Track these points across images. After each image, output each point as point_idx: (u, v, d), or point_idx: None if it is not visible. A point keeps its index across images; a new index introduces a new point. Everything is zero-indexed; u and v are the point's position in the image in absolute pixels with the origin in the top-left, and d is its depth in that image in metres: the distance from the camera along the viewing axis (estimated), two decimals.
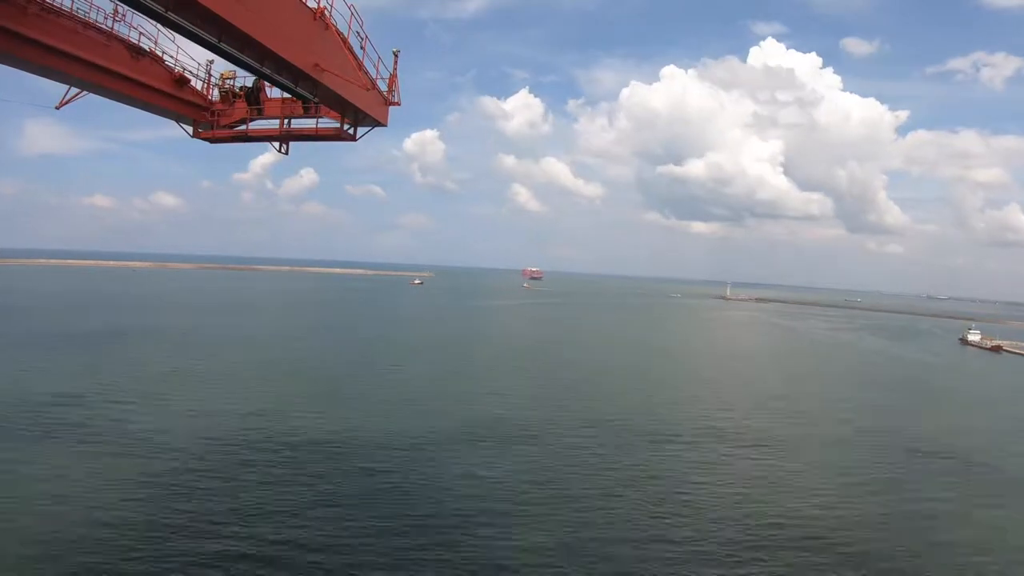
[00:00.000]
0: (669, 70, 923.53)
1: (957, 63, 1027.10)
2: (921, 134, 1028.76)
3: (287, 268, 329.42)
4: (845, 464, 34.13)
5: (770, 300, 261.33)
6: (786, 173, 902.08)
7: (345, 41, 17.63)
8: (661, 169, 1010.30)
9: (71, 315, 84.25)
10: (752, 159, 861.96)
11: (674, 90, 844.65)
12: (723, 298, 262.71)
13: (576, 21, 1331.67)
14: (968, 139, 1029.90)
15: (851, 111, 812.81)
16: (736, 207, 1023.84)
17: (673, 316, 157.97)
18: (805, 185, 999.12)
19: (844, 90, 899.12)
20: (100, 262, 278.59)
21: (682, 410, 45.34)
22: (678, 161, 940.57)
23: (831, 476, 31.99)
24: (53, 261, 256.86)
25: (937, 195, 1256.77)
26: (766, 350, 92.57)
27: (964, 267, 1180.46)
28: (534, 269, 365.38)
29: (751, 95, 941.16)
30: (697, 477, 30.54)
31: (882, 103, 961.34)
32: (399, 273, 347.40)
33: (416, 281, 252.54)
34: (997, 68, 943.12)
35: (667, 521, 25.16)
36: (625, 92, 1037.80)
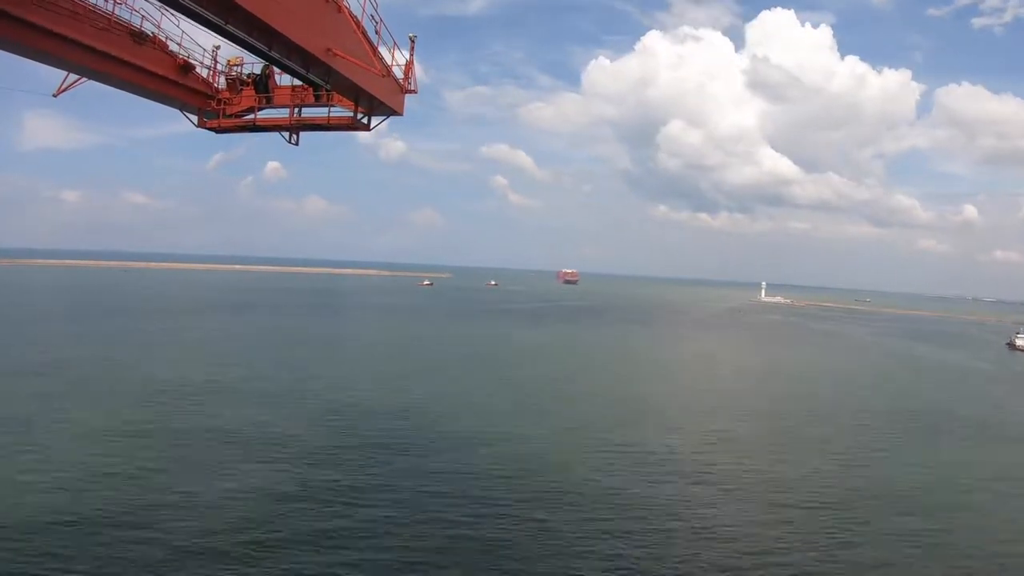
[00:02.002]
0: (642, 45, 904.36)
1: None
2: (946, 107, 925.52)
3: (312, 269, 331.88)
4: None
5: (806, 303, 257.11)
6: (785, 153, 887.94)
7: (359, 25, 17.39)
8: (645, 151, 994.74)
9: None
10: (740, 132, 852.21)
11: (650, 61, 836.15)
12: (756, 301, 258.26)
13: (586, 13, 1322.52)
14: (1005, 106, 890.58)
15: (865, 83, 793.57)
16: (739, 195, 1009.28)
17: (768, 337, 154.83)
18: (810, 167, 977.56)
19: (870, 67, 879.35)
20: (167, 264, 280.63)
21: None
22: (659, 139, 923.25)
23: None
24: (70, 261, 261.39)
25: (971, 181, 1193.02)
26: (821, 361, 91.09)
27: (1010, 264, 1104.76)
28: (569, 271, 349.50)
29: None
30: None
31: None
32: (413, 273, 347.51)
33: (425, 282, 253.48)
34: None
35: None
36: (592, 65, 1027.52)
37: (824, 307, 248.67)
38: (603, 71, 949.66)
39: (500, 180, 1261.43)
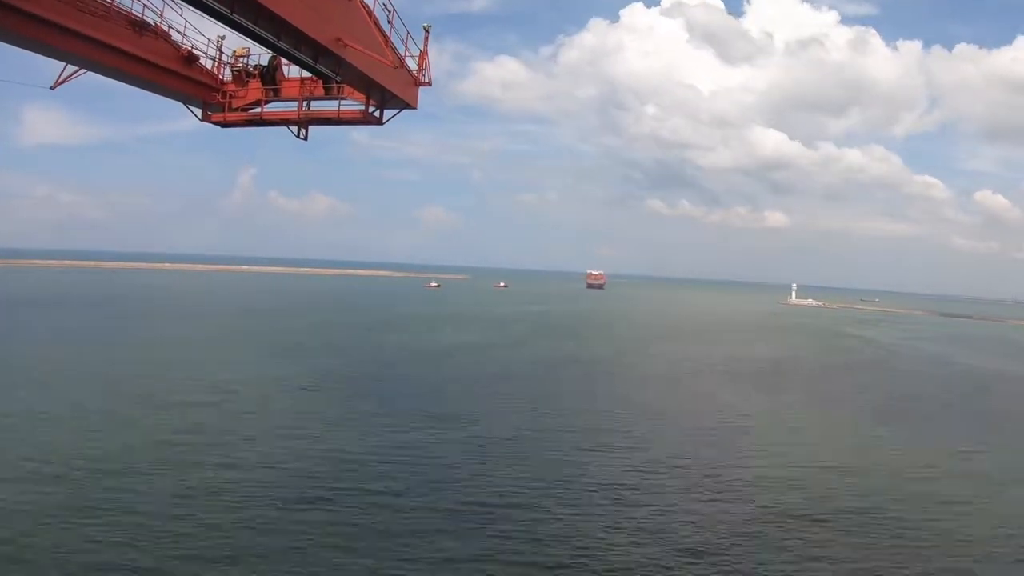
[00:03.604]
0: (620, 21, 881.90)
1: None
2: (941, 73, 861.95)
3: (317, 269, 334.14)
4: None
5: (839, 306, 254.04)
6: (783, 130, 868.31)
7: (371, 14, 17.27)
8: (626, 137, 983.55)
9: None
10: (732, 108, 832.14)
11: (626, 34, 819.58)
12: (788, 304, 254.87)
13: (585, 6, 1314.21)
14: None
15: (870, 52, 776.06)
16: (740, 186, 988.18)
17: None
18: (808, 143, 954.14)
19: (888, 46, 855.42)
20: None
21: None
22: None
23: None
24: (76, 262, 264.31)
25: (992, 171, 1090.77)
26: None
27: None
28: (596, 272, 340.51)
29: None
30: None
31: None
32: (425, 274, 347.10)
33: (432, 284, 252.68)
34: None
35: None
36: (566, 42, 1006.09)
37: (860, 310, 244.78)
38: (577, 48, 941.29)
39: (497, 176, 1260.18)
